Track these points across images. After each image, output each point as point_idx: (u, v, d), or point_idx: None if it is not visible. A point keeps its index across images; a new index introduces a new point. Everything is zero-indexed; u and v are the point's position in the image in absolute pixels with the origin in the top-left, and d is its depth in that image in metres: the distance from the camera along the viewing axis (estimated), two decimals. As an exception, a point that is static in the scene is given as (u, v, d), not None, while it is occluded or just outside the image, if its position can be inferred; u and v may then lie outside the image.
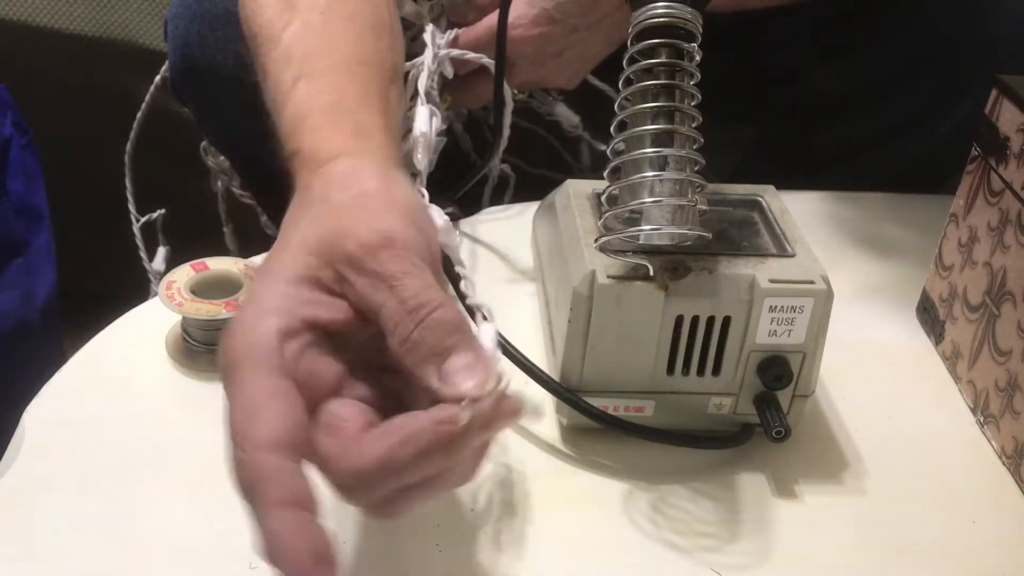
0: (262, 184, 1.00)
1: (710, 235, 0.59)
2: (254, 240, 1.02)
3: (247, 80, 0.88)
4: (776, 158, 1.12)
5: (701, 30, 0.58)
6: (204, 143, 1.04)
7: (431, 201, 0.68)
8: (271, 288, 0.47)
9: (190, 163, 1.18)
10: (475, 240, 0.86)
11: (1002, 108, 0.68)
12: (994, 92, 0.69)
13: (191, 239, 1.21)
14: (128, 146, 1.05)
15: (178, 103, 0.97)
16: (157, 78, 1.01)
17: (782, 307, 0.60)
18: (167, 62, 0.93)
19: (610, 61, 0.90)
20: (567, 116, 0.99)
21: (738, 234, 0.65)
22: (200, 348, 0.70)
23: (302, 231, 0.49)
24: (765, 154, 1.14)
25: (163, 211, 1.07)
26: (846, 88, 1.02)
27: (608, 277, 0.59)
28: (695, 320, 0.60)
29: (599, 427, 0.63)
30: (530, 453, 0.65)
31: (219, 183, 1.08)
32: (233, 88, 0.87)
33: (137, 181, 1.16)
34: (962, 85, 0.94)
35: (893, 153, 1.02)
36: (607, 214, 0.60)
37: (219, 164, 1.05)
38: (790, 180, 1.09)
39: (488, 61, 0.84)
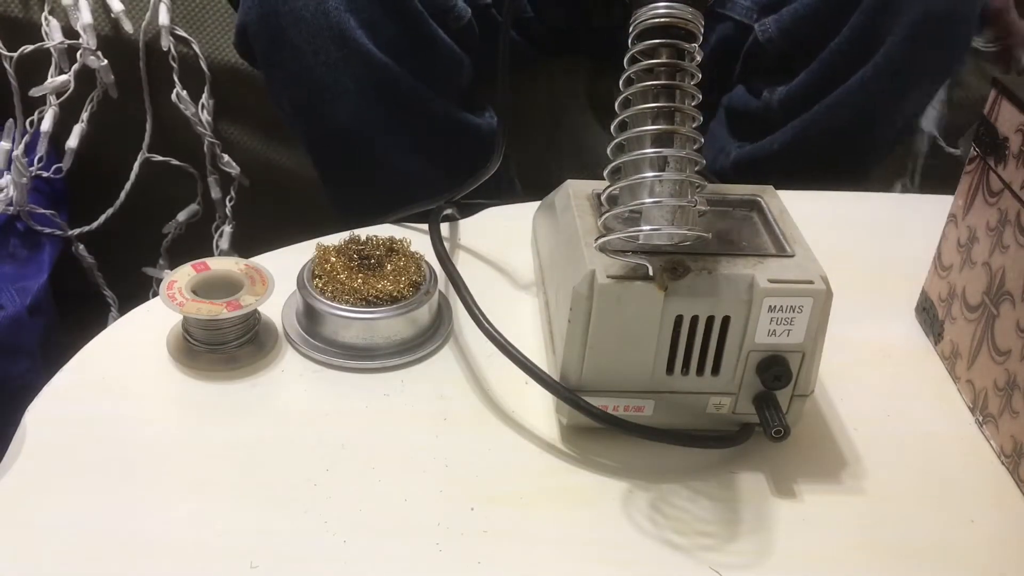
0: (320, 142, 1.00)
1: (709, 235, 0.59)
2: (254, 242, 1.02)
3: (327, 25, 0.88)
4: (736, 128, 1.13)
5: (702, 30, 0.58)
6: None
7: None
8: None
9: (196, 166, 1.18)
10: (475, 240, 0.86)
11: (1001, 108, 0.68)
12: (993, 93, 0.69)
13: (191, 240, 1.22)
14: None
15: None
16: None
17: (781, 307, 0.60)
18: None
19: (611, 60, 0.90)
20: None
21: (737, 234, 0.65)
22: (201, 348, 0.70)
23: None
24: (729, 127, 1.15)
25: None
26: (784, 40, 1.04)
27: (608, 277, 0.59)
28: (695, 320, 0.60)
29: (599, 426, 0.63)
30: (530, 453, 0.65)
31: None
32: (313, 35, 0.88)
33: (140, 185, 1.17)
34: (881, 26, 0.96)
35: (837, 103, 1.03)
36: (607, 214, 0.60)
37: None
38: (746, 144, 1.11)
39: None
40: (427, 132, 0.99)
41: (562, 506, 0.62)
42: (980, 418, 0.69)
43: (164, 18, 1.09)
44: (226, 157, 1.17)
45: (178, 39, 1.11)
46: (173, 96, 1.12)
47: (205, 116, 1.14)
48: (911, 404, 0.71)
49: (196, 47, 1.12)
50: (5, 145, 1.09)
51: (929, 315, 0.77)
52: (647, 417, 0.63)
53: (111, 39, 1.11)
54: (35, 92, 1.08)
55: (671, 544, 0.59)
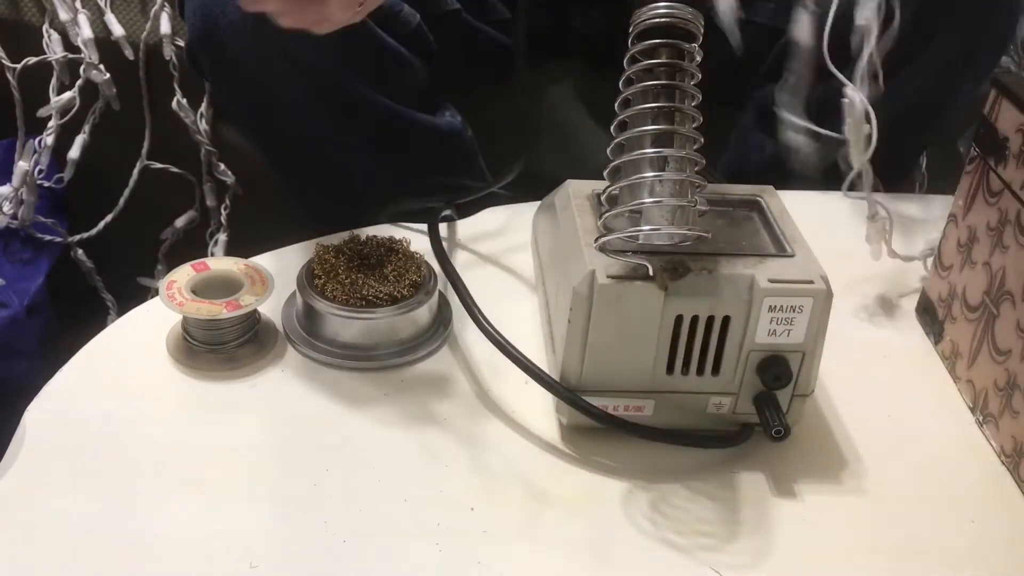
0: (277, 151, 1.00)
1: (710, 235, 0.59)
2: (253, 248, 1.02)
3: (267, 37, 0.87)
4: (770, 126, 1.12)
5: (702, 30, 0.58)
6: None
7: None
8: None
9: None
10: (475, 240, 0.86)
11: (1001, 108, 0.68)
12: (993, 92, 0.69)
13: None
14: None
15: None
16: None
17: (781, 307, 0.60)
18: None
19: (611, 60, 0.90)
20: None
21: (738, 234, 0.65)
22: (201, 348, 0.70)
23: None
24: (762, 124, 1.13)
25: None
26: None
27: (608, 277, 0.59)
28: (695, 320, 0.60)
29: (599, 426, 0.63)
30: (530, 453, 0.65)
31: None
32: (254, 48, 0.87)
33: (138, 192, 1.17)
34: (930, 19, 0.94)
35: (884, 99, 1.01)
36: (607, 214, 0.60)
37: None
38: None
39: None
40: (381, 134, 0.99)
41: (562, 506, 0.62)
42: (980, 418, 0.69)
43: (166, 27, 1.09)
44: (222, 166, 1.17)
45: (179, 48, 1.11)
46: (174, 104, 1.12)
47: (203, 125, 1.15)
48: (911, 404, 0.71)
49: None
50: (24, 165, 1.09)
51: (929, 315, 0.77)
52: (647, 417, 0.63)
53: (111, 47, 1.11)
54: (42, 113, 1.09)
55: (671, 544, 0.59)
